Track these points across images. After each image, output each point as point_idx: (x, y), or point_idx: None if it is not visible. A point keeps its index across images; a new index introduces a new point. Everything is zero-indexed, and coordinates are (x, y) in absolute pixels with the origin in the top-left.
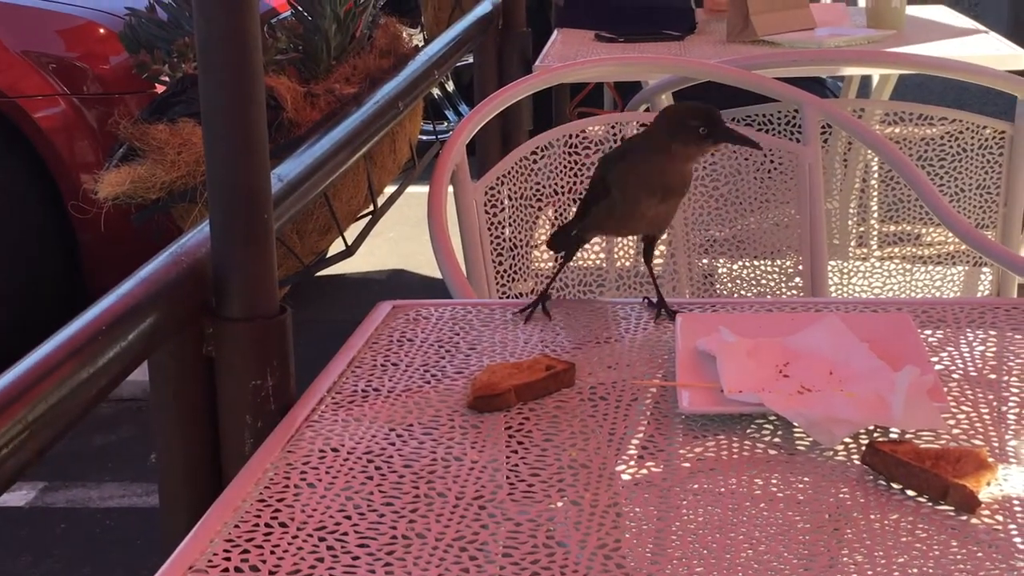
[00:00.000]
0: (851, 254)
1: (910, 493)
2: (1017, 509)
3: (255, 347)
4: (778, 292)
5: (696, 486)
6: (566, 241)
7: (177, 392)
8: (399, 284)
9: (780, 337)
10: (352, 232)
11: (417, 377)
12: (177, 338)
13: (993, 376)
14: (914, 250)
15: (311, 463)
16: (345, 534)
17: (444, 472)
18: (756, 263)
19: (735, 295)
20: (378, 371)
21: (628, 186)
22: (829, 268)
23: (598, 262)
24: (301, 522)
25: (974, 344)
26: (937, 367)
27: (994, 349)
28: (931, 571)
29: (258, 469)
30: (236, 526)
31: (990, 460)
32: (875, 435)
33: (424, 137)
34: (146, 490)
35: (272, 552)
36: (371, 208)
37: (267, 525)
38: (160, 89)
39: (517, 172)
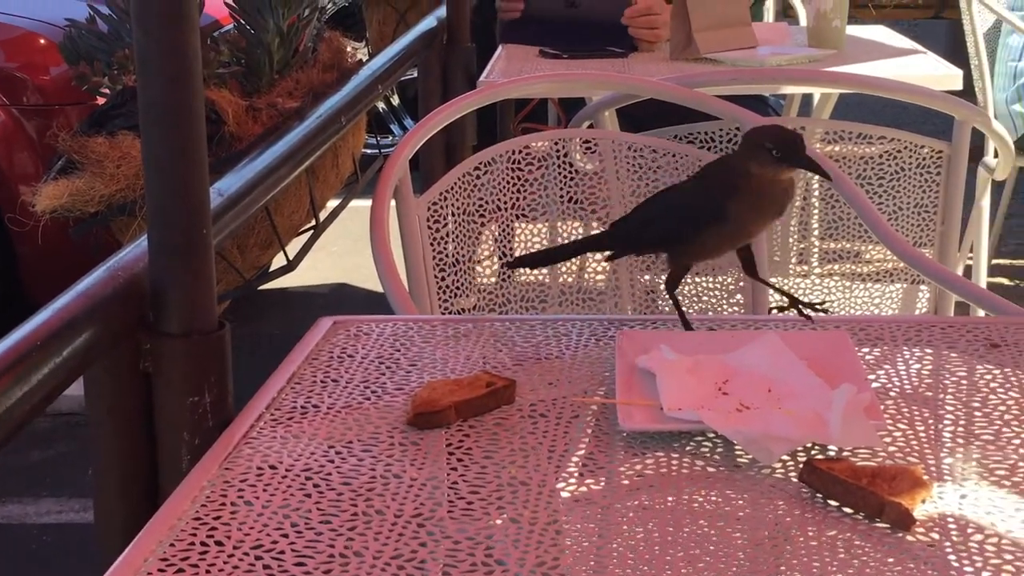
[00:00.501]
0: (792, 271)
1: (847, 510)
2: (951, 526)
3: (193, 363)
4: (719, 308)
5: (636, 503)
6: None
7: (113, 408)
8: (342, 298)
9: (720, 355)
10: (294, 246)
11: (357, 393)
12: (113, 353)
13: (929, 394)
14: (853, 268)
15: (249, 480)
16: (282, 552)
17: (383, 489)
18: (698, 279)
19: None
20: (318, 387)
21: (743, 212)
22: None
23: (540, 278)
24: (238, 540)
25: (911, 362)
26: (874, 384)
27: (930, 367)
28: None
29: (195, 487)
30: (171, 545)
31: (925, 478)
32: (813, 452)
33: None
34: (84, 506)
35: (207, 572)
36: (313, 223)
37: (203, 544)
38: (101, 101)
39: (461, 187)
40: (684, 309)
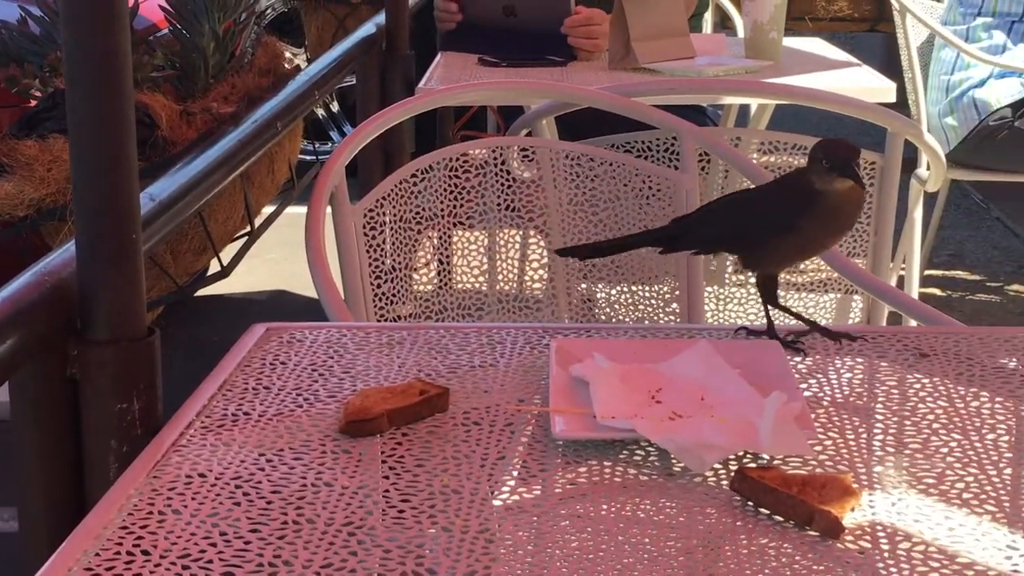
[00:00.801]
0: (728, 280)
1: (778, 519)
2: (880, 535)
3: (121, 370)
4: (655, 317)
5: (569, 511)
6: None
7: (39, 415)
8: (279, 306)
9: (653, 363)
10: (229, 253)
11: (289, 401)
12: (40, 359)
13: (860, 403)
14: (788, 277)
15: (177, 489)
16: (210, 562)
17: (314, 498)
18: (634, 288)
19: (613, 320)
20: (249, 394)
21: (807, 225)
22: (706, 294)
23: (478, 285)
24: (164, 550)
25: (842, 371)
26: (806, 393)
27: (861, 376)
28: None
29: (121, 495)
30: (96, 554)
31: (855, 486)
32: (744, 461)
33: (306, 157)
34: (12, 515)
35: None
36: (248, 229)
37: (129, 553)
38: (32, 104)
39: (397, 194)
40: (620, 318)
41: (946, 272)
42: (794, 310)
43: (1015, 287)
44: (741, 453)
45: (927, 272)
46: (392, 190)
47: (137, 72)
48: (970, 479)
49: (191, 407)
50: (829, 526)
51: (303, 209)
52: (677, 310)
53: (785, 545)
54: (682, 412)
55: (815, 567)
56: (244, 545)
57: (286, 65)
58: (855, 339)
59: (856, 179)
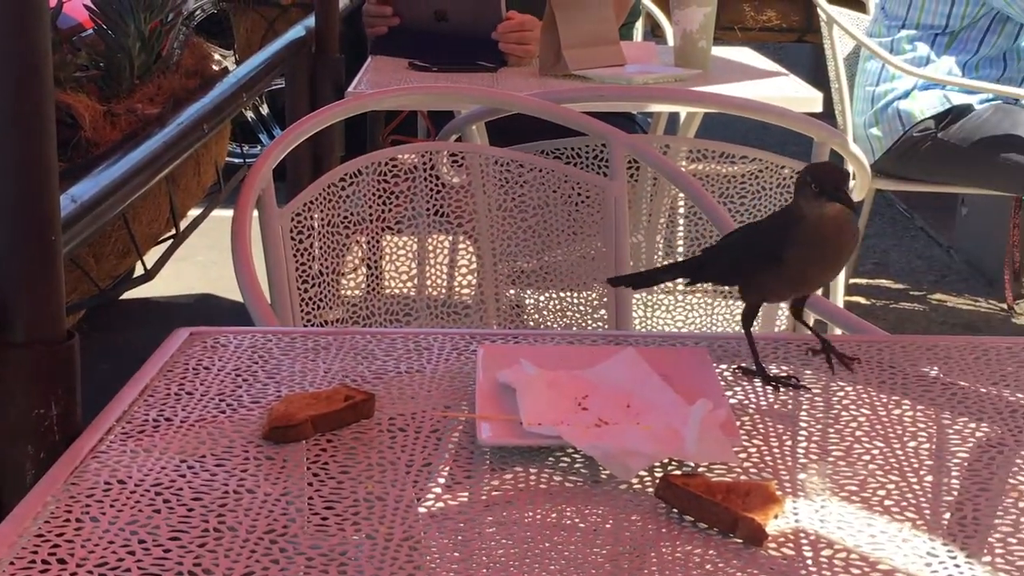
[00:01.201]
0: (657, 288)
1: (702, 525)
2: (803, 541)
3: (39, 374)
4: (584, 324)
5: (495, 518)
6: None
7: None
8: (207, 310)
9: (580, 370)
10: (154, 256)
11: (212, 407)
12: None
13: (784, 410)
14: (716, 285)
15: (95, 496)
16: (128, 570)
17: (236, 505)
18: (563, 295)
19: (541, 326)
20: (171, 400)
21: (795, 254)
22: (634, 301)
23: (407, 291)
24: (81, 558)
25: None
26: (732, 400)
27: (786, 382)
28: None
29: (38, 502)
30: (11, 563)
31: (778, 493)
32: (669, 468)
33: (234, 160)
34: None
35: None
36: (173, 231)
37: (44, 562)
38: None
39: (326, 198)
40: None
41: (871, 280)
42: (811, 325)
43: (938, 296)
44: (666, 461)
45: (852, 280)
46: (320, 194)
47: (60, 72)
48: (891, 486)
49: (111, 413)
50: (752, 533)
51: (231, 213)
52: (605, 316)
53: (710, 552)
54: (608, 419)
55: (739, 574)
56: (163, 553)
57: (214, 67)
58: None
59: (845, 202)
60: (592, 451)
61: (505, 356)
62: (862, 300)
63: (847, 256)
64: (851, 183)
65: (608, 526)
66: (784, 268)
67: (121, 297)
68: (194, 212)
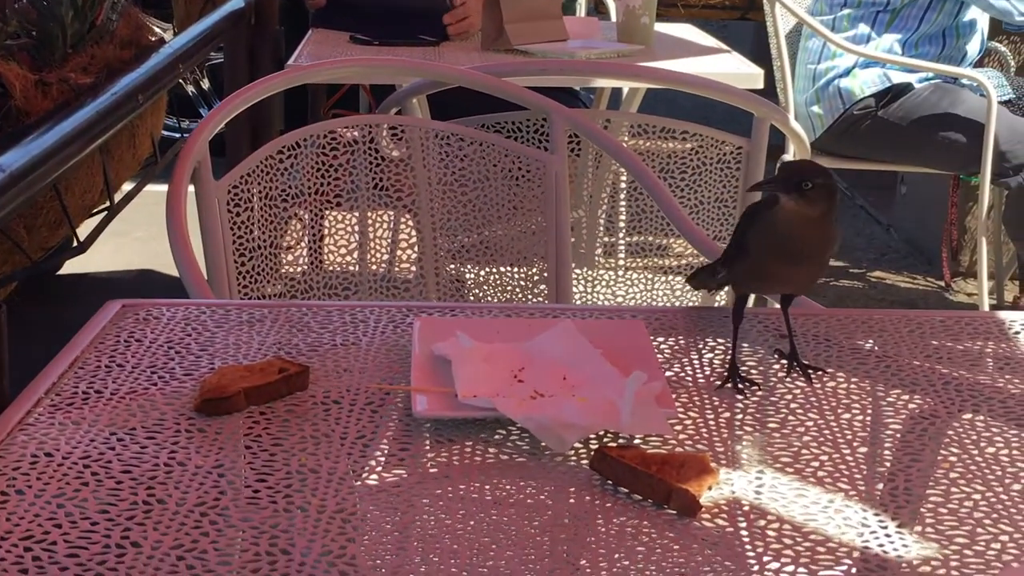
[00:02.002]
0: (598, 263)
1: (637, 497)
2: (738, 512)
3: None
4: (524, 299)
5: (430, 491)
6: (707, 282)
7: None
8: (144, 285)
9: (516, 342)
10: (88, 228)
11: (143, 379)
12: None
13: (720, 383)
14: (657, 261)
15: (22, 469)
16: (54, 543)
17: (166, 478)
18: (503, 270)
19: (482, 301)
20: (102, 372)
21: (759, 250)
22: (575, 276)
23: (347, 265)
24: (6, 531)
25: (703, 351)
26: (668, 373)
27: (722, 356)
28: (653, 573)
29: None
30: None
31: (712, 465)
32: (605, 440)
33: (174, 135)
34: None
35: None
36: (107, 204)
37: None
38: None
39: (264, 171)
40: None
41: None
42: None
43: (877, 273)
44: (602, 433)
45: None
46: (258, 167)
47: None
48: (825, 458)
49: (39, 385)
50: (686, 504)
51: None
52: (546, 291)
53: (645, 524)
54: (544, 391)
55: (673, 546)
56: (91, 526)
57: (150, 37)
58: (807, 373)
59: (800, 199)
60: (527, 423)
61: (442, 329)
62: None
63: (812, 254)
64: (817, 181)
65: (545, 499)
66: (749, 260)
67: (59, 272)
68: (130, 186)
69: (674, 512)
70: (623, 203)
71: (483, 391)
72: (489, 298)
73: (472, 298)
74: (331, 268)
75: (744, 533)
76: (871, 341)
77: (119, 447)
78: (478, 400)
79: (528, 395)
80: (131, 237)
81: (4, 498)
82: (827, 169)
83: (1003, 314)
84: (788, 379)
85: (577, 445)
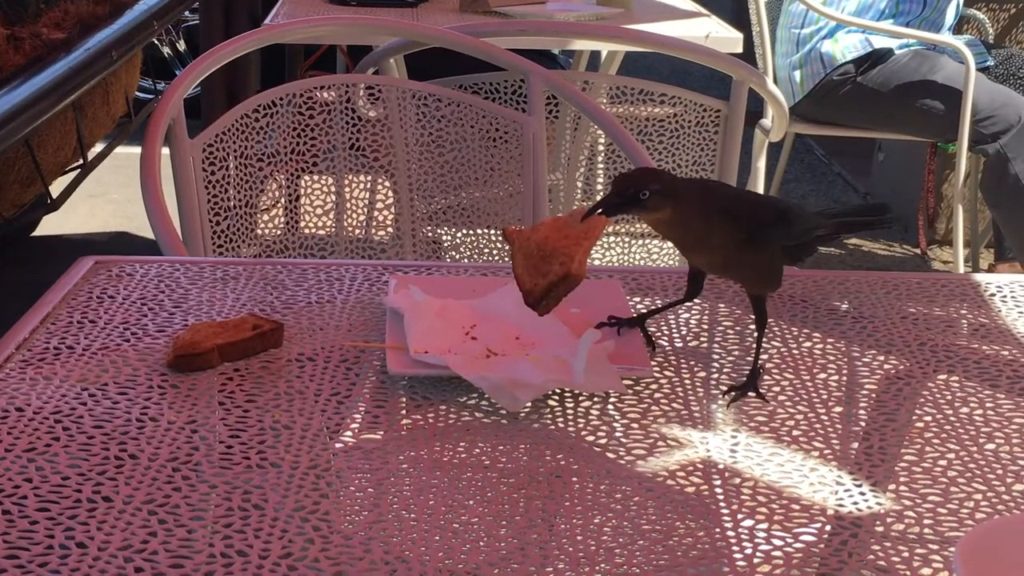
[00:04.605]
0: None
1: (611, 456)
2: (712, 472)
3: None
4: (501, 261)
5: (404, 448)
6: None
7: None
8: (121, 247)
9: (467, 300)
10: (61, 186)
11: (116, 335)
12: None
13: (696, 343)
14: (633, 225)
15: None
16: (24, 497)
17: (138, 433)
18: (480, 232)
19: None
20: (74, 328)
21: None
22: None
23: (323, 226)
24: None
25: (680, 312)
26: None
27: (698, 317)
28: (628, 532)
29: None
30: None
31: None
32: (556, 401)
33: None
34: None
35: None
36: (81, 161)
37: None
38: None
39: (240, 130)
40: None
41: None
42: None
43: (854, 241)
44: (553, 391)
45: None
46: (233, 125)
47: None
48: (800, 417)
49: (10, 340)
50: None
51: None
52: None
53: (619, 483)
54: (497, 350)
55: (648, 503)
56: (62, 481)
57: None
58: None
59: (624, 212)
60: (480, 382)
61: (403, 285)
62: None
63: (703, 248)
64: (653, 188)
65: (520, 458)
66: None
67: (34, 234)
68: (104, 145)
69: (653, 474)
70: (601, 166)
71: (435, 348)
72: (466, 260)
73: (449, 260)
74: (307, 230)
75: (719, 492)
76: (847, 302)
77: (91, 403)
78: (429, 356)
79: (482, 353)
80: (106, 199)
81: None
82: (661, 172)
83: (978, 276)
84: (764, 340)
85: (533, 403)
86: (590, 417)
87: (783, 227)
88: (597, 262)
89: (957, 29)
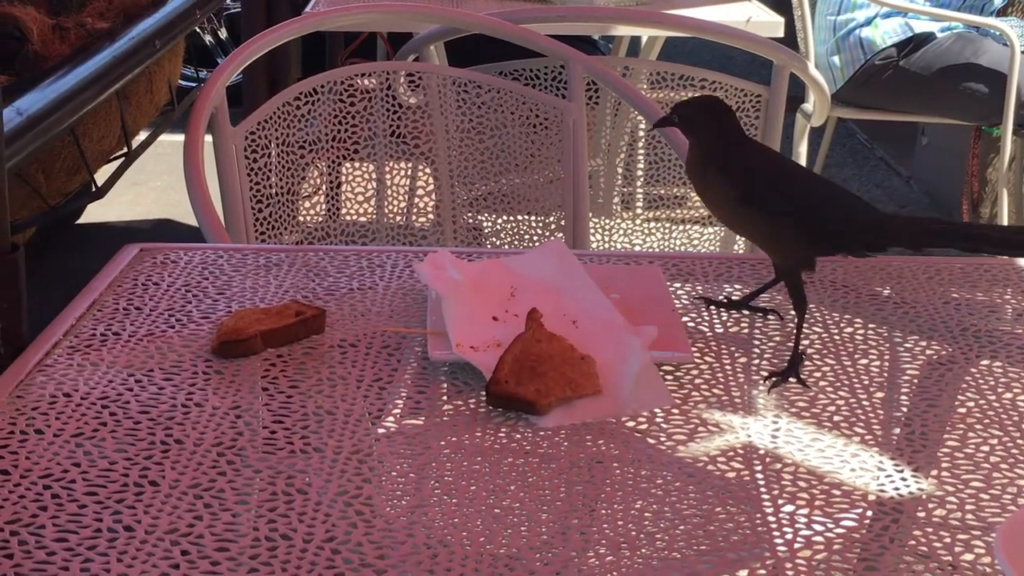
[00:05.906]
0: (615, 213)
1: (651, 442)
2: (753, 457)
3: None
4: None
5: (446, 436)
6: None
7: None
8: (164, 234)
9: (504, 258)
10: (105, 174)
11: (161, 322)
12: None
13: (737, 328)
14: (675, 211)
15: (41, 408)
16: (73, 482)
17: (183, 418)
18: (520, 218)
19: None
20: (120, 315)
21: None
22: (592, 225)
23: (364, 214)
24: (25, 469)
25: (720, 296)
26: (685, 318)
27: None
28: (669, 517)
29: None
30: None
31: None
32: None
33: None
34: None
35: None
36: (125, 150)
37: None
38: None
39: (281, 118)
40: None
41: None
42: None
43: None
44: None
45: None
46: (275, 113)
47: None
48: (842, 403)
49: (58, 327)
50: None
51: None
52: (563, 240)
53: (661, 469)
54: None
55: (689, 488)
56: (109, 465)
57: None
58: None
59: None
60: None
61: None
62: None
63: (703, 196)
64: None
65: (562, 443)
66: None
67: (79, 222)
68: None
69: (692, 459)
70: (641, 152)
71: (476, 337)
72: (506, 246)
73: (489, 246)
74: (348, 217)
75: (760, 477)
76: (889, 287)
77: (137, 388)
78: (472, 355)
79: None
80: (149, 186)
81: (24, 437)
82: (715, 106)
83: (1022, 261)
84: (805, 325)
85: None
86: None
87: (814, 211)
88: (638, 247)
89: (1002, 11)
